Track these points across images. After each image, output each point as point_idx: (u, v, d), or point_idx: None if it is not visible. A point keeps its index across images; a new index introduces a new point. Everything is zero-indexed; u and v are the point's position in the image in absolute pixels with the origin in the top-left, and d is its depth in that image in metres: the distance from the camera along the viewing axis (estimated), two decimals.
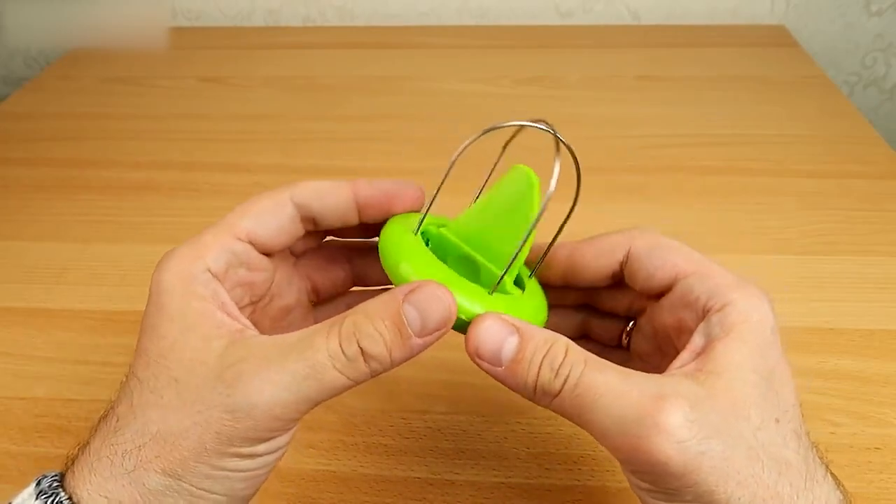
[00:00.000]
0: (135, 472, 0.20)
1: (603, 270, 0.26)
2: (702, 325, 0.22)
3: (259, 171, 0.56)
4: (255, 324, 0.24)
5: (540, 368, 0.20)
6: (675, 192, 0.52)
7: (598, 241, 0.26)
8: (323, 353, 0.20)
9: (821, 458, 0.21)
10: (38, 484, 0.21)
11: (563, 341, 0.21)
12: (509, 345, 0.21)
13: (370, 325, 0.20)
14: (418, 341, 0.20)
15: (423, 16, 0.83)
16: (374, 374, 0.21)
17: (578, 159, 0.23)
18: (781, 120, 0.61)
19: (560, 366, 0.20)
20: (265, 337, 0.21)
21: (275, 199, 0.25)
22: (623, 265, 0.25)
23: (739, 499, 0.19)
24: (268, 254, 0.26)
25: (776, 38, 0.76)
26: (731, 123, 0.61)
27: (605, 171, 0.55)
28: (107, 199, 0.54)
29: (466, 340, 0.21)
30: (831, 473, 0.21)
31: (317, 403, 0.21)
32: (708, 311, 0.22)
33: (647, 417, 0.19)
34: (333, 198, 0.26)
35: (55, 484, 0.21)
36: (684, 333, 0.23)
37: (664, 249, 0.24)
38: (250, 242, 0.25)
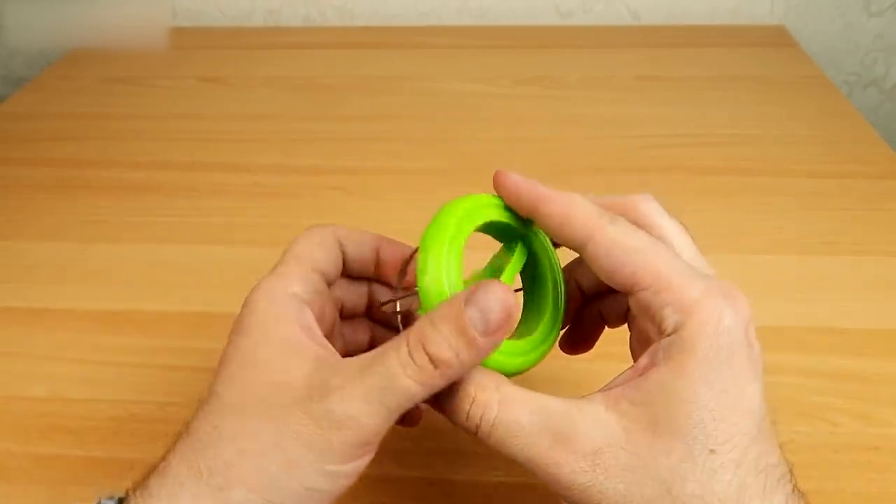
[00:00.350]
0: (222, 491, 0.21)
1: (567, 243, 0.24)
2: (652, 347, 0.21)
3: (259, 171, 0.56)
4: None
5: (471, 406, 0.22)
6: (675, 192, 0.52)
7: (560, 208, 0.24)
8: (395, 363, 0.21)
9: (785, 481, 0.20)
10: None
11: (490, 385, 0.22)
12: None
13: (435, 330, 0.21)
14: (484, 341, 0.20)
15: (423, 16, 0.83)
16: (450, 380, 0.21)
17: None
18: (781, 120, 0.61)
19: (483, 413, 0.22)
20: (347, 359, 0.22)
21: (327, 234, 0.27)
22: (580, 250, 0.23)
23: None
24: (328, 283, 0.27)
25: (776, 39, 0.77)
26: (731, 123, 0.61)
27: (604, 171, 0.55)
28: (107, 199, 0.54)
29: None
30: (797, 496, 0.20)
31: (397, 413, 0.21)
32: (663, 332, 0.21)
33: (550, 465, 0.21)
34: (363, 247, 0.28)
35: None
36: (646, 346, 0.22)
37: (623, 251, 0.22)
38: (320, 273, 0.26)
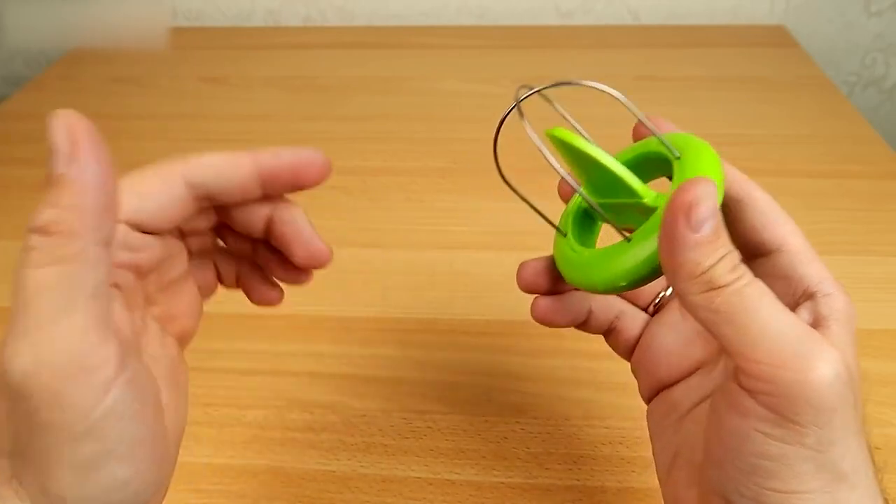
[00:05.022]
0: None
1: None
2: (808, 303, 0.22)
3: None
4: (147, 296, 0.23)
5: (722, 259, 0.19)
6: None
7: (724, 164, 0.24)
8: None
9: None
10: None
11: (739, 254, 0.20)
12: (713, 222, 0.19)
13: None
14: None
15: (423, 16, 0.83)
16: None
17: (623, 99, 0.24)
18: (781, 120, 0.61)
19: (736, 266, 0.20)
20: None
21: (163, 177, 0.23)
22: (731, 204, 0.24)
23: (848, 461, 0.19)
24: (152, 232, 0.23)
25: (776, 39, 0.77)
26: (731, 123, 0.61)
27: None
28: None
29: (682, 191, 0.20)
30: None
31: None
32: (813, 294, 0.22)
33: (814, 341, 0.19)
34: (233, 174, 0.24)
35: None
36: None
37: (779, 214, 0.24)
38: (132, 224, 0.22)
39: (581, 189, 0.23)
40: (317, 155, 0.25)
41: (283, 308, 0.28)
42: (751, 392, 0.19)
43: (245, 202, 0.25)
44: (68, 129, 0.19)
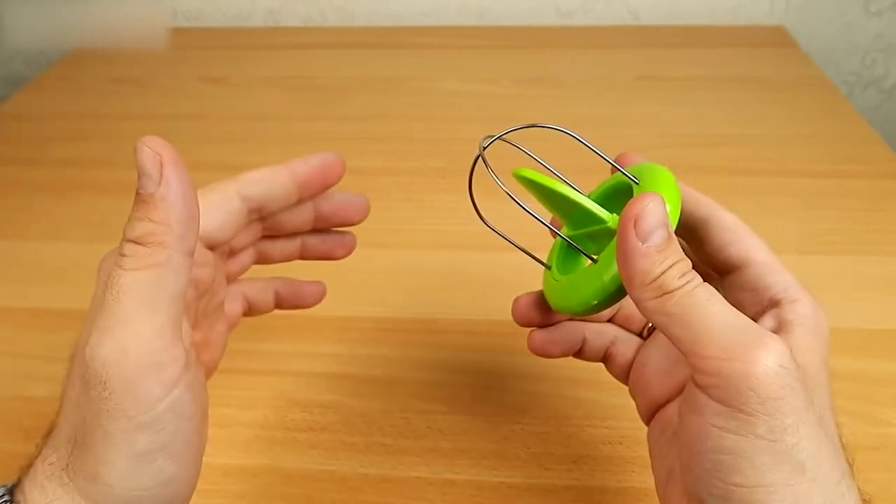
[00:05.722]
0: (77, 484, 0.21)
1: (684, 219, 0.26)
2: (774, 310, 0.23)
3: None
4: (198, 319, 0.26)
5: (672, 266, 0.21)
6: None
7: (689, 189, 0.26)
8: None
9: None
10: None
11: (689, 262, 0.22)
12: (661, 232, 0.21)
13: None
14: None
15: (423, 16, 0.83)
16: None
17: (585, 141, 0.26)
18: (781, 120, 0.61)
19: (686, 273, 0.21)
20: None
21: (222, 193, 0.26)
22: (699, 224, 0.26)
23: (804, 450, 0.19)
24: (212, 248, 0.27)
25: (775, 39, 0.77)
26: (731, 124, 0.61)
27: (604, 171, 0.54)
28: (107, 199, 0.54)
29: (630, 205, 0.21)
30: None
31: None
32: (778, 302, 0.23)
33: (756, 333, 0.20)
34: (277, 185, 0.27)
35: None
36: None
37: (744, 230, 0.25)
38: (201, 238, 0.25)
39: (547, 222, 0.25)
40: (335, 157, 0.30)
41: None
42: (704, 388, 0.20)
43: (286, 208, 0.29)
44: (154, 153, 0.21)
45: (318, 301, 0.33)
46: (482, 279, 0.45)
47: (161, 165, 0.21)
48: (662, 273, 0.20)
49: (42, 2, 0.80)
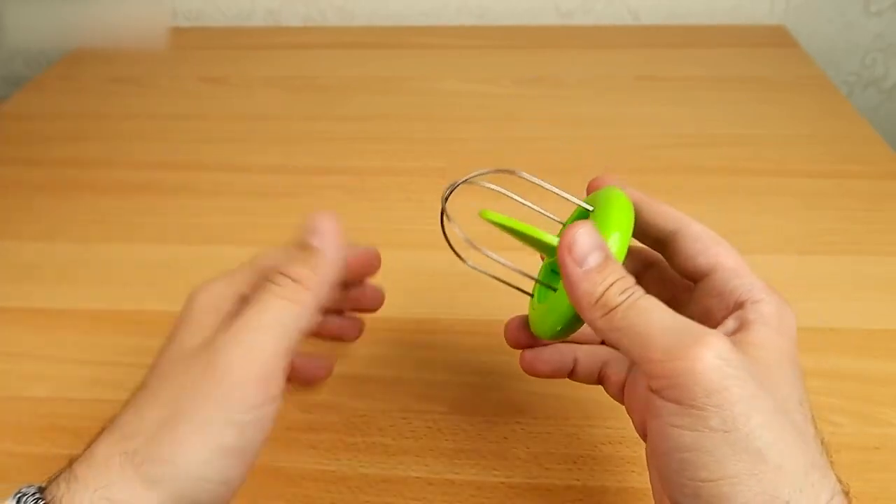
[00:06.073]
0: (145, 469, 0.22)
1: (651, 232, 0.27)
2: (737, 312, 0.24)
3: (259, 171, 0.56)
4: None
5: (613, 284, 0.22)
6: (675, 193, 0.52)
7: (659, 204, 0.27)
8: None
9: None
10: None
11: (632, 278, 0.23)
12: (596, 255, 0.22)
13: None
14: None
15: (423, 16, 0.83)
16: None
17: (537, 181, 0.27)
18: (781, 120, 0.61)
19: (628, 288, 0.22)
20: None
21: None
22: (669, 237, 0.27)
23: (761, 437, 0.19)
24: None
25: (776, 39, 0.77)
26: (731, 124, 0.61)
27: (604, 171, 0.55)
28: (107, 199, 0.54)
29: (563, 236, 0.23)
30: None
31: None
32: (742, 304, 0.24)
33: (696, 331, 0.21)
34: (343, 267, 0.29)
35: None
36: (709, 322, 0.24)
37: (712, 239, 0.26)
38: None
39: (504, 260, 0.26)
40: (376, 252, 0.34)
41: None
42: (658, 391, 0.21)
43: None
44: (323, 220, 0.27)
45: (324, 379, 0.36)
46: (482, 279, 0.45)
47: (326, 232, 0.27)
48: (605, 291, 0.22)
49: (42, 2, 0.80)
